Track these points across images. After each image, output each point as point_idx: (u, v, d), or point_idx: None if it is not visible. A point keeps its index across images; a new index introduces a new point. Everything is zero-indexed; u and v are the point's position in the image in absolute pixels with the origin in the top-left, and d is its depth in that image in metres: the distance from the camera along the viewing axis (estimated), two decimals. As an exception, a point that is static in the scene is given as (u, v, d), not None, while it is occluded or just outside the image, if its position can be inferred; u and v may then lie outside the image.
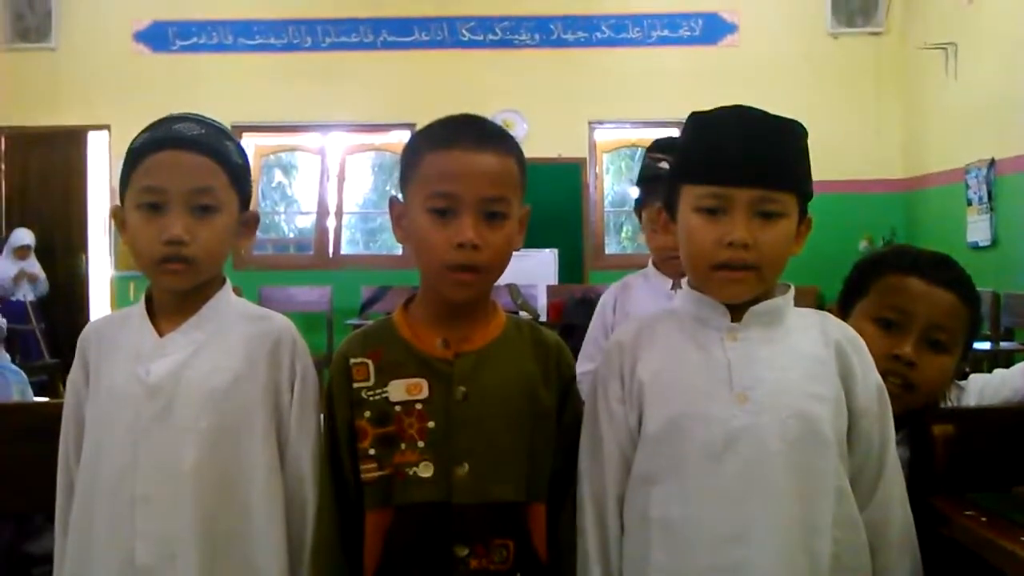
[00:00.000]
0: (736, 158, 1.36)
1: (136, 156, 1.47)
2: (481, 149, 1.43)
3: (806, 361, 1.38)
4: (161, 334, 1.50)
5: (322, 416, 1.53)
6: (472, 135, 1.45)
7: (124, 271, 8.03)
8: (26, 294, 7.91)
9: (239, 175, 1.53)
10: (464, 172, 1.41)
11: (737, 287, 1.38)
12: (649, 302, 2.25)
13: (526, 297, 6.92)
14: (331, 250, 8.56)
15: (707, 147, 1.40)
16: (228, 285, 1.56)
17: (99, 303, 8.45)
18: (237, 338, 1.51)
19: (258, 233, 1.71)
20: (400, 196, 1.51)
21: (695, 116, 1.45)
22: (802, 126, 1.42)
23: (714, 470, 1.34)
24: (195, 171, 1.46)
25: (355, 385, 1.47)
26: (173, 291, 1.50)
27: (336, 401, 1.48)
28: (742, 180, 1.35)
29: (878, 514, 1.40)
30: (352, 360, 1.48)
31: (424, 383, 1.44)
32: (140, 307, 1.53)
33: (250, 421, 1.48)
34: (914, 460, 1.57)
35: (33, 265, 8.00)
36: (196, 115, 1.53)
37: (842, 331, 1.44)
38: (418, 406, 1.44)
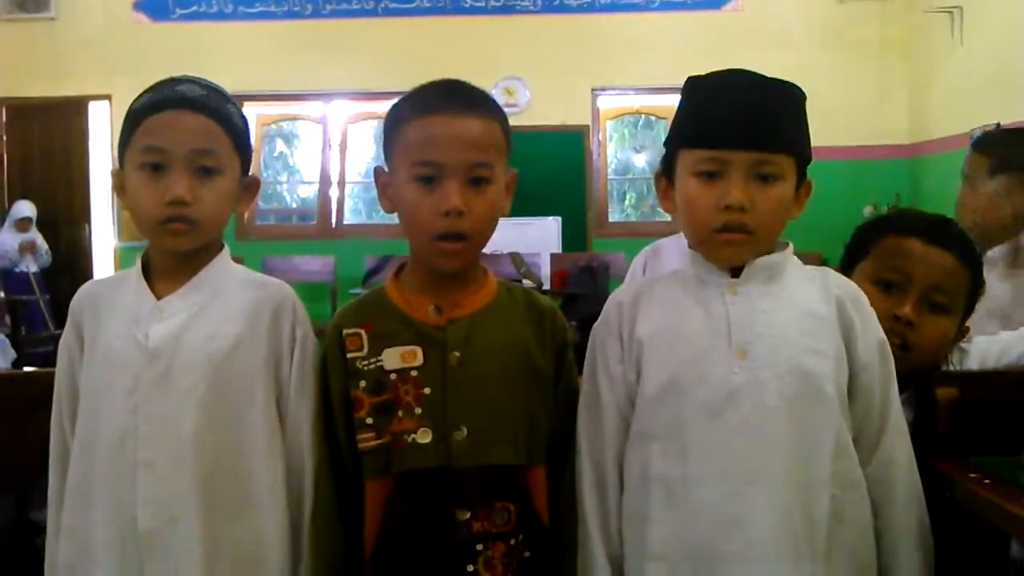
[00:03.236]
0: (732, 121, 1.35)
1: (138, 116, 1.46)
2: (463, 114, 1.42)
3: (806, 316, 1.38)
4: (158, 297, 1.49)
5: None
6: (454, 100, 1.43)
7: (128, 242, 8.03)
8: (29, 265, 7.93)
9: (241, 138, 1.52)
10: (447, 139, 1.40)
11: (735, 250, 1.38)
12: (680, 262, 2.23)
13: (529, 265, 6.89)
14: (334, 220, 8.53)
15: (703, 111, 1.40)
16: (226, 251, 1.55)
17: (103, 274, 8.41)
18: (237, 303, 1.50)
19: (260, 203, 1.70)
20: (385, 166, 1.50)
21: (691, 80, 1.45)
22: (799, 88, 1.42)
23: (713, 427, 1.34)
24: (198, 132, 1.45)
25: (349, 356, 1.46)
26: (174, 253, 1.49)
27: (331, 372, 1.48)
28: (738, 143, 1.35)
29: (881, 471, 1.40)
30: (345, 331, 1.48)
31: (418, 350, 1.44)
32: (136, 269, 1.52)
33: (250, 387, 1.47)
34: (918, 423, 1.57)
35: (35, 236, 8.00)
36: (197, 77, 1.52)
37: (843, 286, 1.44)
38: (413, 373, 1.44)
